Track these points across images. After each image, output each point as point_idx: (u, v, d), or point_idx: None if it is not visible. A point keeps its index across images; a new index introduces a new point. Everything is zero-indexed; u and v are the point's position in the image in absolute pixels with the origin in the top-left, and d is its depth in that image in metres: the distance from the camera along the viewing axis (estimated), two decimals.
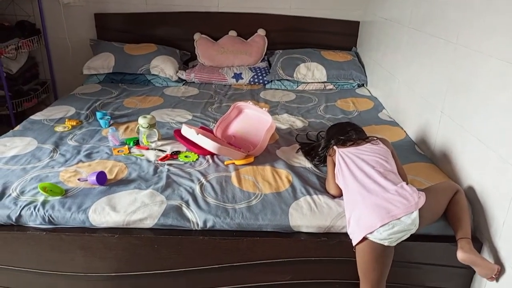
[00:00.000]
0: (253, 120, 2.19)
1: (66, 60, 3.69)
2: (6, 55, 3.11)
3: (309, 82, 3.30)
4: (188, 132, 1.97)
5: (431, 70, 2.16)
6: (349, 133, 1.90)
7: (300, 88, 3.30)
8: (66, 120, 2.42)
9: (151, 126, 2.12)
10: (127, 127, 2.40)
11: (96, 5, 3.56)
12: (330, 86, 3.31)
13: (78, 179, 1.76)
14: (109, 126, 2.40)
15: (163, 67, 3.30)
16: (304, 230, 1.57)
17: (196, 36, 3.60)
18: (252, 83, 3.35)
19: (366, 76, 3.30)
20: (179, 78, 3.33)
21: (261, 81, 3.35)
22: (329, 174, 1.76)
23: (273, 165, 1.97)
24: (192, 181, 1.80)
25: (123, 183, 1.76)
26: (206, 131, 2.22)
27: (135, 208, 1.59)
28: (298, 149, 2.12)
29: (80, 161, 1.95)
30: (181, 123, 2.48)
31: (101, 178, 1.73)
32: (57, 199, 1.62)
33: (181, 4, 3.57)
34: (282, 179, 1.83)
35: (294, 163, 1.99)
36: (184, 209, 1.61)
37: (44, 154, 2.02)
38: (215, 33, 3.62)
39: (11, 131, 2.29)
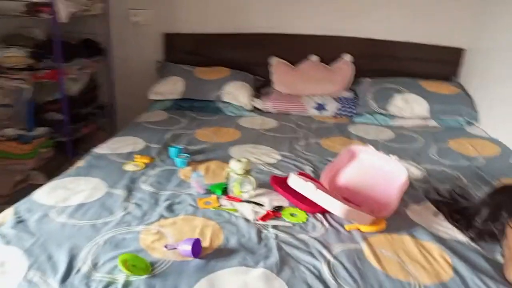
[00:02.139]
0: (373, 169, 1.71)
1: (129, 82, 3.39)
2: (70, 76, 2.82)
3: (407, 118, 2.80)
4: (301, 185, 1.52)
5: None
6: None
7: (396, 123, 2.80)
8: (136, 156, 2.04)
9: (246, 172, 1.68)
10: (207, 168, 1.98)
11: (165, 25, 3.26)
12: (433, 123, 2.79)
13: (165, 247, 1.33)
14: (187, 165, 1.99)
15: (237, 94, 2.90)
16: None
17: (273, 60, 3.20)
18: (338, 115, 2.89)
19: (476, 112, 2.76)
20: (253, 107, 2.92)
21: (348, 113, 2.89)
22: None
23: (412, 234, 1.47)
24: (313, 256, 1.33)
25: (223, 254, 1.32)
26: (306, 177, 1.76)
27: None
28: (437, 212, 1.61)
29: (162, 216, 1.54)
30: (270, 164, 2.04)
31: (197, 248, 1.30)
32: (143, 279, 1.19)
33: (257, 26, 3.20)
34: (436, 259, 1.33)
35: (440, 232, 1.49)
36: None
37: (116, 203, 1.62)
38: (294, 57, 3.21)
39: (74, 167, 1.93)
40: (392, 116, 2.81)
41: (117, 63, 3.35)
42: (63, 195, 1.66)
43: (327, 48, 3.18)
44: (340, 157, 1.79)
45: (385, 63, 3.17)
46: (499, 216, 1.39)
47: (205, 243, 1.37)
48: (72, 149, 2.92)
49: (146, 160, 2.01)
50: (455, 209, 1.63)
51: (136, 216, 1.53)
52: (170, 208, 1.60)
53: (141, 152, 2.13)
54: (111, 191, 1.71)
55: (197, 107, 2.94)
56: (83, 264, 1.25)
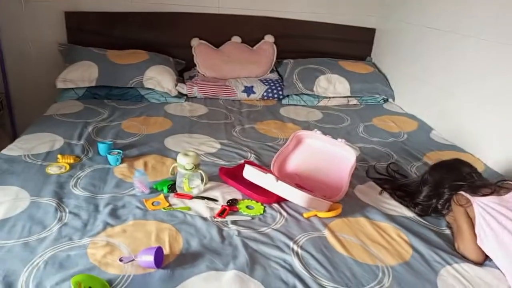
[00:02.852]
0: (322, 154, 1.73)
1: (25, 69, 2.93)
2: None
3: (331, 97, 2.90)
4: (260, 177, 1.46)
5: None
6: (468, 176, 1.51)
7: (321, 104, 2.88)
8: (59, 156, 1.78)
9: (196, 167, 1.57)
10: (145, 164, 1.82)
11: (67, 2, 2.86)
12: (354, 101, 2.94)
13: (121, 260, 1.18)
14: (121, 162, 1.80)
15: (160, 79, 2.70)
16: None
17: (194, 41, 3.04)
18: (266, 98, 2.88)
19: (392, 90, 2.97)
20: (179, 92, 2.76)
21: (275, 95, 2.88)
22: (464, 232, 1.35)
23: (366, 215, 1.53)
24: (281, 250, 1.30)
25: (187, 260, 1.22)
26: (255, 166, 1.71)
27: None
28: (382, 190, 1.70)
29: (107, 224, 1.36)
30: (211, 154, 1.95)
31: (159, 257, 1.18)
32: None
33: (174, 4, 2.99)
34: (394, 238, 1.40)
35: (389, 211, 1.57)
36: None
37: (48, 214, 1.39)
38: (215, 38, 3.08)
39: None
40: (317, 97, 2.89)
41: (7, 47, 2.87)
42: None
43: (249, 29, 3.11)
44: (287, 144, 1.77)
45: (304, 44, 3.22)
46: (442, 193, 1.50)
47: (165, 250, 1.25)
48: None
49: (71, 160, 1.77)
50: (396, 185, 1.73)
51: (76, 228, 1.33)
52: (114, 214, 1.42)
53: (63, 151, 1.87)
54: (37, 200, 1.47)
55: (115, 95, 2.67)
56: None
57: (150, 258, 1.14)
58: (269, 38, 3.13)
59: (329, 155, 1.71)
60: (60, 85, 2.60)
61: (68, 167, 1.72)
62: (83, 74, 2.62)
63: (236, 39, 3.11)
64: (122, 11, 2.92)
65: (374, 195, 1.68)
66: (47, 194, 1.51)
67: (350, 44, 3.28)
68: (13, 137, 2.82)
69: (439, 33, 2.46)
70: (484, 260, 1.31)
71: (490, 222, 1.29)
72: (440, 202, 1.49)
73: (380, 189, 1.72)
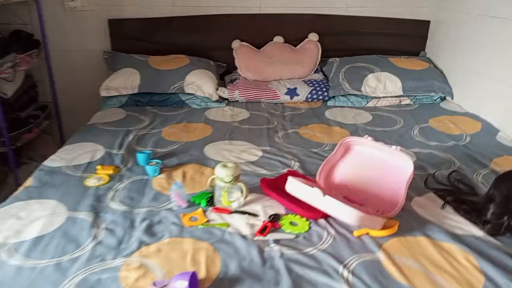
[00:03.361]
0: (373, 163, 1.56)
1: (72, 78, 2.99)
2: (2, 75, 2.40)
3: (381, 97, 2.69)
4: (304, 191, 1.33)
5: None
6: None
7: (370, 104, 2.68)
8: (98, 167, 1.74)
9: (235, 179, 1.46)
10: (183, 175, 1.74)
11: (110, 10, 2.87)
12: (407, 101, 2.71)
13: (154, 285, 1.10)
14: (159, 173, 1.73)
15: (201, 84, 2.64)
16: None
17: (235, 44, 2.95)
18: (310, 99, 2.72)
19: (450, 87, 2.70)
20: (220, 97, 2.67)
21: (320, 97, 2.72)
22: None
23: (426, 234, 1.35)
24: (329, 275, 1.16)
25: (223, 286, 1.11)
26: (298, 176, 1.57)
27: None
28: (444, 204, 1.50)
29: (142, 242, 1.29)
30: (252, 162, 1.84)
31: (194, 283, 1.08)
32: None
33: (215, 5, 2.92)
34: (461, 263, 1.21)
35: (455, 229, 1.38)
36: None
37: (83, 231, 1.34)
38: (257, 39, 2.97)
39: (22, 188, 1.60)
40: (366, 97, 2.69)
41: (56, 56, 2.93)
42: (14, 227, 1.35)
43: (291, 28, 2.97)
44: (335, 151, 1.61)
45: (350, 40, 3.03)
46: (511, 209, 1.29)
47: (201, 274, 1.15)
48: (14, 159, 2.52)
49: (110, 171, 1.73)
50: (460, 198, 1.52)
51: (110, 246, 1.27)
52: (150, 231, 1.35)
53: (103, 161, 1.84)
54: (74, 215, 1.43)
55: (157, 101, 2.64)
56: None
57: (184, 284, 1.05)
58: (313, 37, 2.97)
59: (382, 164, 1.53)
60: (103, 93, 2.60)
61: (107, 178, 1.68)
62: (125, 81, 2.61)
63: (278, 39, 2.98)
64: (163, 16, 2.89)
65: (435, 210, 1.49)
66: (84, 208, 1.47)
67: (401, 39, 3.04)
68: (61, 145, 2.87)
69: (505, 21, 2.19)
70: None
71: None
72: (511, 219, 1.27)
73: (442, 202, 1.52)
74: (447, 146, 2.04)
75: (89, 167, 1.78)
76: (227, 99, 2.71)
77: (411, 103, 2.69)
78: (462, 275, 1.16)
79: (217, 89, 2.66)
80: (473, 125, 2.29)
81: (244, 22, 2.95)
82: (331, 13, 2.96)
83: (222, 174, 1.45)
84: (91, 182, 1.65)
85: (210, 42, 2.97)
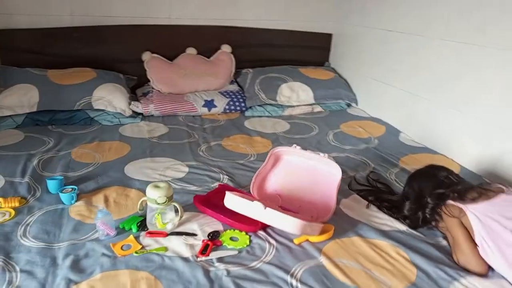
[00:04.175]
0: (303, 171, 1.60)
1: None
2: None
3: (295, 106, 2.80)
4: (245, 205, 1.31)
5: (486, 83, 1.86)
6: (446, 180, 1.45)
7: (286, 113, 2.78)
8: (0, 200, 1.51)
9: (169, 199, 1.38)
10: (105, 199, 1.59)
11: None
12: (318, 109, 2.86)
13: None
14: (76, 200, 1.56)
15: (111, 98, 2.47)
16: None
17: (146, 55, 2.82)
18: (228, 111, 2.72)
19: (354, 94, 2.93)
20: (133, 112, 2.53)
21: (238, 108, 2.74)
22: (462, 244, 1.28)
23: (359, 233, 1.42)
24: (278, 287, 1.15)
25: None
26: (231, 190, 1.55)
27: None
28: (368, 204, 1.61)
29: (70, 281, 1.14)
30: (180, 179, 1.77)
31: None
32: None
33: (121, 16, 2.76)
34: (394, 257, 1.30)
35: (382, 226, 1.48)
36: None
37: None
38: (168, 51, 2.88)
39: None
40: (281, 106, 2.78)
41: None
42: None
43: (204, 39, 2.95)
44: (265, 162, 1.63)
45: (262, 52, 3.11)
46: (425, 203, 1.43)
47: None
48: None
49: (16, 203, 1.51)
50: (381, 197, 1.65)
51: None
52: (77, 267, 1.20)
53: (4, 193, 1.60)
54: None
55: (61, 119, 2.40)
56: None
57: None
58: (226, 48, 2.98)
59: (312, 172, 1.59)
60: None
61: (12, 212, 1.46)
62: (21, 98, 2.33)
63: (191, 50, 2.93)
64: (61, 26, 2.65)
65: (361, 210, 1.58)
66: None
67: (308, 51, 3.22)
68: None
69: (402, 35, 2.45)
70: (487, 271, 1.24)
71: (490, 231, 1.23)
72: (427, 212, 1.41)
73: (366, 202, 1.63)
74: (360, 149, 2.20)
75: None
76: (141, 114, 2.57)
77: (323, 110, 2.86)
78: (396, 269, 1.24)
79: (129, 104, 2.52)
80: (378, 128, 2.51)
81: (154, 33, 2.85)
82: (243, 26, 3.00)
83: (155, 196, 1.36)
84: None
85: (117, 54, 2.80)
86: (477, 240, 1.26)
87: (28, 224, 1.40)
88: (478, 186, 1.40)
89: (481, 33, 1.90)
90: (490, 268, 1.26)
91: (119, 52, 2.80)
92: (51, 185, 1.61)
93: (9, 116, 2.31)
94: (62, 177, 1.68)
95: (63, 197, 1.54)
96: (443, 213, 1.37)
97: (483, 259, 1.25)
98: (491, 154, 1.90)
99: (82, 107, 2.42)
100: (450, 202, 1.35)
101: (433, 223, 1.45)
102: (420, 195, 1.48)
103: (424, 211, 1.44)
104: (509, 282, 1.19)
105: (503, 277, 1.22)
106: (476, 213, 1.28)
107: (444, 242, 1.40)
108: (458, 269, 1.25)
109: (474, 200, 1.32)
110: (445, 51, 2.13)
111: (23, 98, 2.33)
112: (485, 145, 1.93)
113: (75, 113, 2.43)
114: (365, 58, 2.83)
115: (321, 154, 1.54)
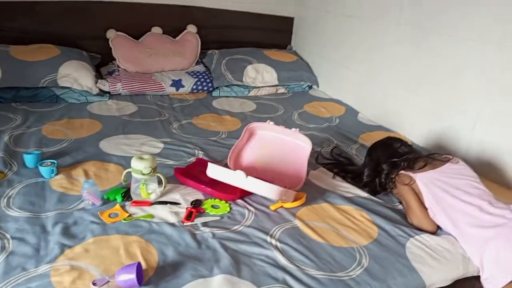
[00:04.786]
0: (276, 144, 1.74)
1: None
2: None
3: (260, 87, 2.92)
4: (227, 174, 1.41)
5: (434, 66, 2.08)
6: (401, 151, 1.65)
7: (252, 94, 2.89)
8: None
9: (153, 170, 1.46)
10: (85, 173, 1.64)
11: None
12: (281, 90, 3.00)
13: (94, 284, 1.05)
14: (56, 174, 1.59)
15: (77, 76, 2.45)
16: (437, 285, 1.26)
17: (111, 33, 2.80)
18: (196, 91, 2.79)
19: (315, 76, 3.09)
20: (100, 90, 2.53)
21: (205, 88, 2.81)
22: (414, 208, 1.48)
23: (327, 200, 1.58)
24: (261, 246, 1.29)
25: (168, 272, 1.14)
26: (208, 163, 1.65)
27: None
28: (334, 175, 1.77)
29: (64, 246, 1.20)
30: (156, 154, 1.83)
31: (140, 274, 1.08)
32: None
33: None
34: (358, 219, 1.47)
35: (346, 193, 1.65)
36: None
37: None
38: (133, 29, 2.87)
39: None
40: (247, 87, 2.88)
41: None
42: None
43: (169, 19, 2.97)
44: (241, 137, 1.74)
45: (226, 34, 3.18)
46: (381, 170, 1.62)
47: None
48: None
49: None
50: (344, 168, 1.82)
51: (27, 255, 1.15)
52: (68, 233, 1.26)
53: None
54: None
55: (24, 96, 2.36)
56: None
57: (131, 276, 1.04)
58: (191, 28, 3.02)
59: (284, 145, 1.72)
60: None
61: None
62: None
63: (156, 29, 2.94)
64: (22, 0, 2.56)
65: (328, 180, 1.74)
66: None
67: (270, 33, 3.33)
68: None
69: (359, 21, 2.62)
70: (437, 230, 1.45)
71: (435, 196, 1.43)
72: (382, 178, 1.60)
73: (331, 174, 1.79)
74: (323, 128, 2.37)
75: None
76: (108, 92, 2.57)
77: (286, 91, 3.00)
78: (361, 228, 1.42)
79: (96, 82, 2.51)
80: (339, 109, 2.69)
81: (118, 11, 2.82)
82: (208, 6, 3.05)
83: (140, 167, 1.43)
84: None
85: (80, 31, 2.76)
86: (426, 204, 1.46)
87: (10, 197, 1.43)
88: (427, 156, 1.60)
89: (432, 20, 2.09)
90: (438, 227, 1.47)
91: (81, 28, 2.76)
92: (29, 159, 1.62)
93: None
94: (40, 152, 1.69)
95: (43, 170, 1.56)
96: (396, 181, 1.56)
97: (432, 220, 1.45)
98: (437, 129, 2.14)
99: (47, 85, 2.38)
100: (402, 172, 1.54)
101: (389, 189, 1.63)
102: (377, 163, 1.66)
103: (380, 177, 1.62)
104: (455, 238, 1.40)
105: (450, 234, 1.43)
106: (424, 180, 1.48)
107: (400, 207, 1.60)
108: (413, 228, 1.44)
109: (421, 168, 1.52)
110: (399, 35, 2.31)
111: None
112: (432, 122, 2.16)
113: (39, 90, 2.39)
114: (326, 42, 2.98)
115: (293, 129, 1.68)
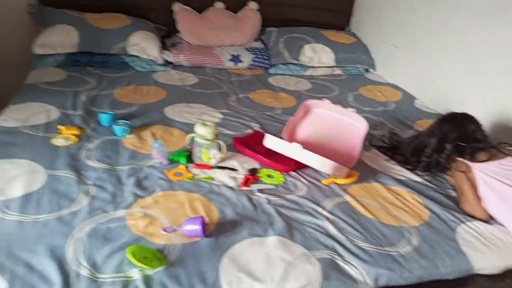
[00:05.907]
0: (332, 123, 1.78)
1: None
2: None
3: (316, 67, 2.94)
4: (285, 145, 1.49)
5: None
6: (472, 134, 1.61)
7: (307, 73, 2.92)
8: (61, 128, 1.69)
9: (215, 137, 1.57)
10: (153, 135, 1.78)
11: None
12: (338, 71, 3.01)
13: (164, 230, 1.18)
14: (129, 133, 1.75)
15: (145, 46, 2.59)
16: (486, 272, 1.28)
17: (176, 6, 2.92)
18: (253, 67, 2.86)
19: (372, 60, 3.07)
20: (164, 60, 2.67)
21: (262, 64, 2.88)
22: (468, 194, 1.49)
23: (379, 180, 1.62)
24: (313, 215, 1.36)
25: (228, 228, 1.25)
26: (260, 135, 1.73)
27: (281, 271, 1.11)
28: (389, 158, 1.80)
29: (137, 196, 1.34)
30: (217, 124, 1.93)
31: (204, 226, 1.19)
32: (162, 271, 1.05)
33: None
34: (409, 201, 1.51)
35: (399, 176, 1.68)
36: (341, 263, 1.18)
37: (71, 187, 1.35)
38: (197, 3, 2.98)
39: None
40: (303, 66, 2.92)
41: None
42: None
43: None
44: (296, 113, 1.81)
45: (286, 12, 3.20)
46: (443, 148, 1.60)
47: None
48: None
49: (75, 131, 1.69)
50: (397, 152, 1.83)
51: (106, 200, 1.31)
52: (140, 185, 1.40)
53: (61, 122, 1.78)
54: (54, 173, 1.41)
55: (98, 62, 2.54)
56: (78, 267, 1.03)
57: (197, 227, 1.16)
58: (252, 5, 3.08)
59: (338, 124, 1.77)
60: (38, 50, 2.42)
61: (74, 138, 1.64)
62: (62, 39, 2.45)
63: (219, 5, 3.02)
64: None
65: (381, 162, 1.78)
66: (63, 167, 1.45)
67: (330, 14, 3.31)
68: None
69: (423, 1, 2.55)
70: (489, 219, 1.46)
71: (491, 185, 1.43)
72: (441, 158, 1.59)
73: (384, 156, 1.82)
74: (378, 111, 2.38)
75: (49, 128, 1.71)
76: (171, 63, 2.71)
77: (342, 73, 3.00)
78: (412, 210, 1.45)
79: (161, 52, 2.65)
80: (395, 94, 2.67)
81: None
82: None
83: (203, 132, 1.54)
84: (59, 142, 1.60)
85: (148, 2, 2.90)
86: (481, 193, 1.46)
87: (89, 150, 1.59)
88: (494, 146, 1.55)
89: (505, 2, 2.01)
90: (491, 217, 1.47)
91: (151, 1, 2.89)
92: (104, 118, 1.79)
93: (51, 54, 2.45)
94: (114, 112, 1.85)
95: (117, 129, 1.72)
96: (452, 167, 1.56)
97: (485, 209, 1.46)
98: (502, 124, 2.07)
99: (118, 52, 2.55)
100: (460, 159, 1.54)
101: (442, 171, 1.63)
102: (444, 138, 1.62)
103: (440, 155, 1.61)
104: (509, 230, 1.40)
105: (502, 225, 1.43)
106: (481, 169, 1.47)
107: (453, 193, 1.61)
108: (465, 215, 1.46)
109: (483, 160, 1.50)
110: (467, 19, 2.22)
111: (64, 38, 2.45)
112: (495, 114, 2.09)
113: (110, 56, 2.56)
114: (386, 24, 2.93)
115: (349, 109, 1.72)
